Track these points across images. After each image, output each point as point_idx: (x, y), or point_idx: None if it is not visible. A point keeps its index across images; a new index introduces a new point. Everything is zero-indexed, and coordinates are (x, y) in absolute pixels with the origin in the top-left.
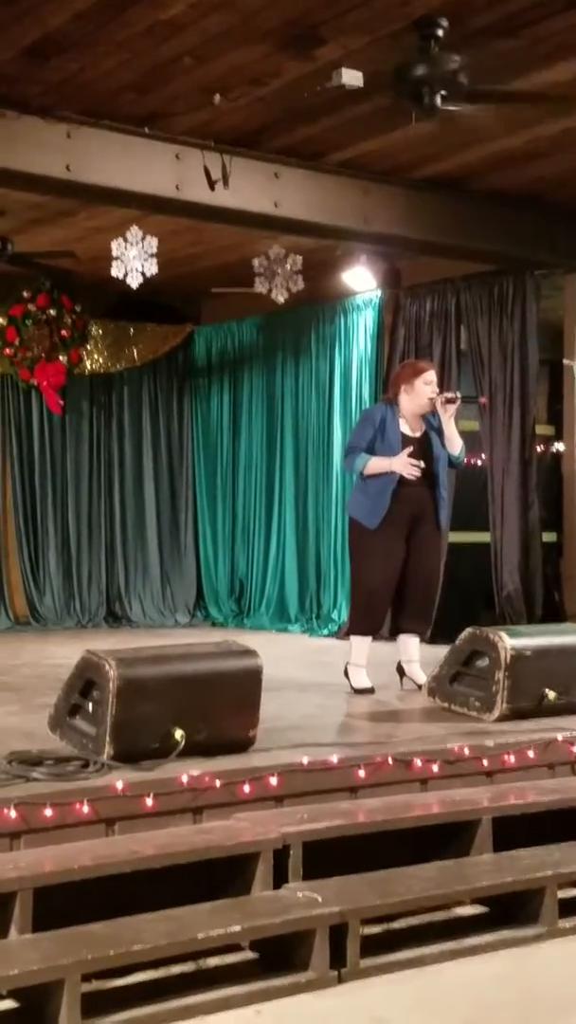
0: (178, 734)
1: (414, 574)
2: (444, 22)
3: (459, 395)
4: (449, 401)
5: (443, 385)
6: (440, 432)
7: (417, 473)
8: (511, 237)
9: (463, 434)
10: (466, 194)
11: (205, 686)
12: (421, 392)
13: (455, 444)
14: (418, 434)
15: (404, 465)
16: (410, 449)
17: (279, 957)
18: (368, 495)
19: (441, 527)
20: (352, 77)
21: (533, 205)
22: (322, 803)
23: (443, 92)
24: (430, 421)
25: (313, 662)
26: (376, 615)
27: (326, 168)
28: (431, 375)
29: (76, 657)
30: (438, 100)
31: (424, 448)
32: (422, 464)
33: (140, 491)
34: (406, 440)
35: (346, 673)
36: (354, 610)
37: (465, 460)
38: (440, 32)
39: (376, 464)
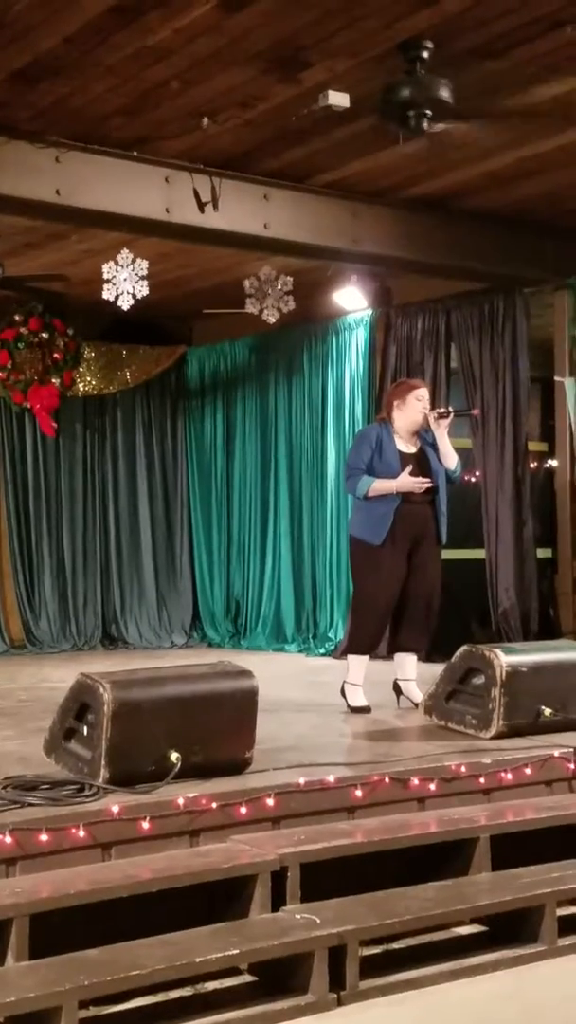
0: (174, 756)
1: (415, 592)
2: (429, 44)
3: (451, 410)
4: (441, 416)
5: (435, 403)
6: (435, 448)
7: (421, 488)
8: (501, 255)
9: (457, 451)
10: (455, 213)
11: (201, 708)
12: (414, 408)
13: (451, 459)
14: (414, 450)
15: (410, 484)
16: (410, 468)
17: (278, 980)
18: (372, 514)
19: (442, 542)
20: (339, 99)
21: (522, 223)
22: (319, 824)
23: (429, 113)
24: (424, 437)
25: (310, 682)
26: (376, 634)
27: (315, 189)
28: (423, 392)
29: (72, 680)
30: (424, 122)
31: (422, 464)
32: (428, 481)
33: (135, 513)
34: (403, 458)
35: (343, 692)
36: (354, 629)
37: (462, 474)
38: (425, 54)
39: (380, 486)
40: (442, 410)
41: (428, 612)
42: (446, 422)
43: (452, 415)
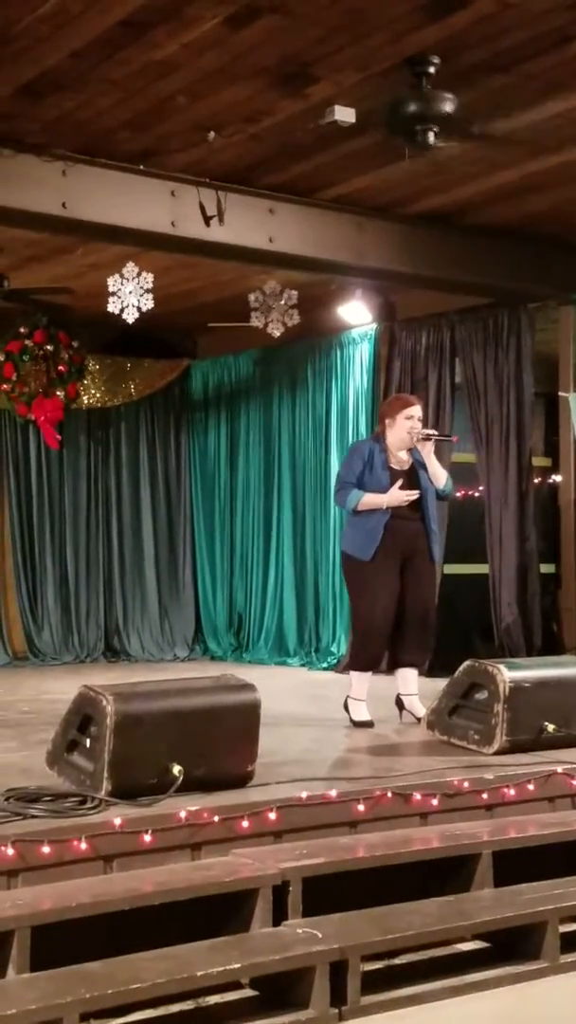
0: (176, 769)
1: (411, 607)
2: (435, 59)
3: (431, 434)
4: (425, 439)
5: (429, 421)
6: (425, 466)
7: (409, 500)
8: (505, 270)
9: (460, 466)
10: (460, 228)
11: (203, 721)
12: (402, 427)
13: (439, 478)
14: (405, 467)
15: (399, 497)
16: (400, 482)
17: (279, 995)
18: (361, 530)
19: (434, 560)
20: (345, 114)
21: (527, 238)
22: (321, 838)
23: (435, 129)
24: (416, 454)
25: (312, 696)
26: (377, 650)
27: (320, 204)
28: (413, 410)
29: (74, 692)
30: (430, 137)
31: (411, 481)
32: (416, 493)
33: (138, 525)
34: (394, 474)
35: (346, 706)
36: (354, 645)
37: (453, 490)
38: (432, 69)
39: (369, 500)
40: (425, 432)
41: (424, 628)
42: (430, 444)
43: (433, 439)
